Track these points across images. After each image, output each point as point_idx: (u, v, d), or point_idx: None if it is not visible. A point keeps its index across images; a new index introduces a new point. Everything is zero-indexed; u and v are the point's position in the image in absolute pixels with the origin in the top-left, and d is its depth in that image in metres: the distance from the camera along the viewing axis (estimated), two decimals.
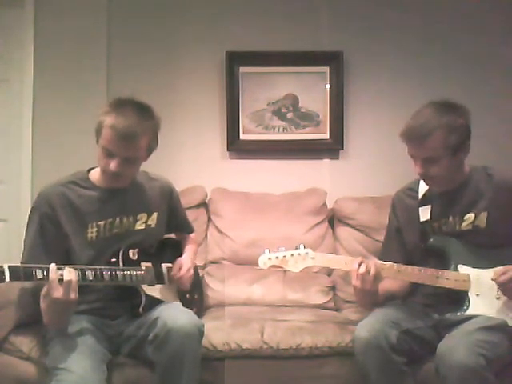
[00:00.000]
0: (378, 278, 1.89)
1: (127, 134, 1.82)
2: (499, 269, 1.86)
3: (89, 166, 2.02)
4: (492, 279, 1.86)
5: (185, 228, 2.32)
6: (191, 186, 2.91)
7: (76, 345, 1.77)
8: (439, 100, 1.94)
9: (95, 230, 1.94)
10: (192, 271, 2.13)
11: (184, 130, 3.11)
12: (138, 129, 1.84)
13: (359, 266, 1.88)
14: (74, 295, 1.69)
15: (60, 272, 1.67)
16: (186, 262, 2.12)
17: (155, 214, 2.08)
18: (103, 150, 1.86)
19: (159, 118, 1.95)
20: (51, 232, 1.89)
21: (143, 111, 1.89)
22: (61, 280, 1.67)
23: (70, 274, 1.68)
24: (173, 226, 2.24)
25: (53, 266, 1.67)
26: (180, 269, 2.07)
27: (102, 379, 1.74)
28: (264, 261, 1.95)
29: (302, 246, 1.96)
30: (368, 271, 1.87)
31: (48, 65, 3.07)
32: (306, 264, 1.95)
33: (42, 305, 1.73)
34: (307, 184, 3.00)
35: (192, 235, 2.34)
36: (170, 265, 2.11)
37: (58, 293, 1.66)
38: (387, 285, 2.01)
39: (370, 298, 1.94)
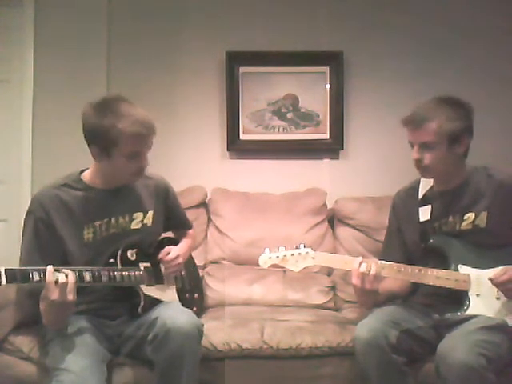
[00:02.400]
0: (378, 277, 1.89)
1: (150, 125, 1.85)
2: (499, 269, 1.87)
3: (89, 166, 2.01)
4: (489, 278, 1.86)
5: (183, 225, 2.30)
6: (191, 186, 2.92)
7: (76, 345, 1.77)
8: (444, 95, 1.97)
9: (91, 230, 1.93)
10: (181, 259, 2.08)
11: (184, 130, 3.11)
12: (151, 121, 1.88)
13: (359, 265, 1.88)
14: (71, 297, 1.68)
15: (57, 274, 1.67)
16: (175, 249, 2.08)
17: (151, 213, 2.06)
18: (129, 154, 1.85)
19: None
20: (47, 236, 1.88)
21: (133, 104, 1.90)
22: (58, 282, 1.66)
23: (66, 275, 1.68)
24: (171, 224, 2.22)
25: (49, 268, 1.66)
26: (167, 254, 2.04)
27: (102, 379, 1.74)
28: (264, 260, 1.95)
29: (302, 246, 1.96)
30: (368, 271, 1.87)
31: (48, 65, 3.07)
32: (306, 263, 1.95)
33: (41, 306, 1.73)
34: (307, 184, 2.99)
35: (190, 232, 2.32)
36: None
37: (56, 295, 1.65)
38: (388, 285, 2.01)
39: (371, 297, 1.94)
